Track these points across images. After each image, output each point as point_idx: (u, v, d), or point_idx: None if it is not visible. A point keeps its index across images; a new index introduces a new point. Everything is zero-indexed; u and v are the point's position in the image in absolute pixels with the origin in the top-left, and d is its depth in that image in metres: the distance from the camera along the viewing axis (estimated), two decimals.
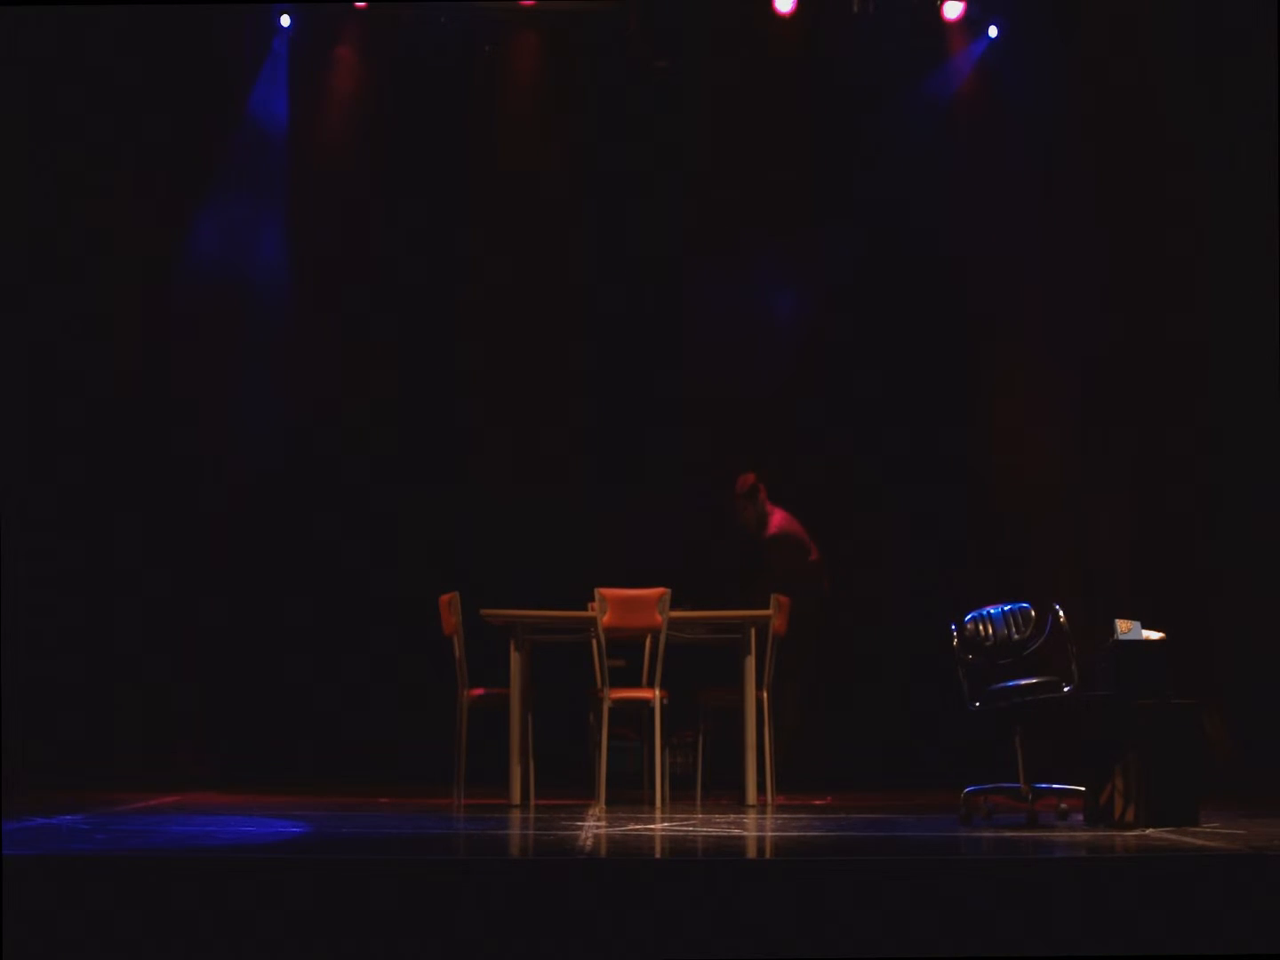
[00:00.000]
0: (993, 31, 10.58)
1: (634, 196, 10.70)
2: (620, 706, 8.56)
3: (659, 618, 8.36)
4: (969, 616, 7.85)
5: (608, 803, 8.27)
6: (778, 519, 9.97)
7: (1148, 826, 7.08)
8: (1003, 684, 7.66)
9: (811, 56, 10.62)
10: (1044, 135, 10.37)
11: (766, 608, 8.64)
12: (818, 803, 8.76)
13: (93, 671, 9.91)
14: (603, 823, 7.50)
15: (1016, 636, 7.74)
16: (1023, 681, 7.62)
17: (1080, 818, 7.50)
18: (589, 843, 6.64)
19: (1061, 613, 7.64)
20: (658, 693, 8.39)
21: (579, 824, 7.38)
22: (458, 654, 8.68)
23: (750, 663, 8.60)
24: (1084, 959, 5.45)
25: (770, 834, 7.21)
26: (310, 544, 10.46)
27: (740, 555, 10.10)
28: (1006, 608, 7.81)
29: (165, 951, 5.39)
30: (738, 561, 10.10)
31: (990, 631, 7.77)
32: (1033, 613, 7.76)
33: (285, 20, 10.61)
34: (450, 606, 8.66)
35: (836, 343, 10.65)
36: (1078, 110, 10.34)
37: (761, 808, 8.38)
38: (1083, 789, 7.52)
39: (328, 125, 10.77)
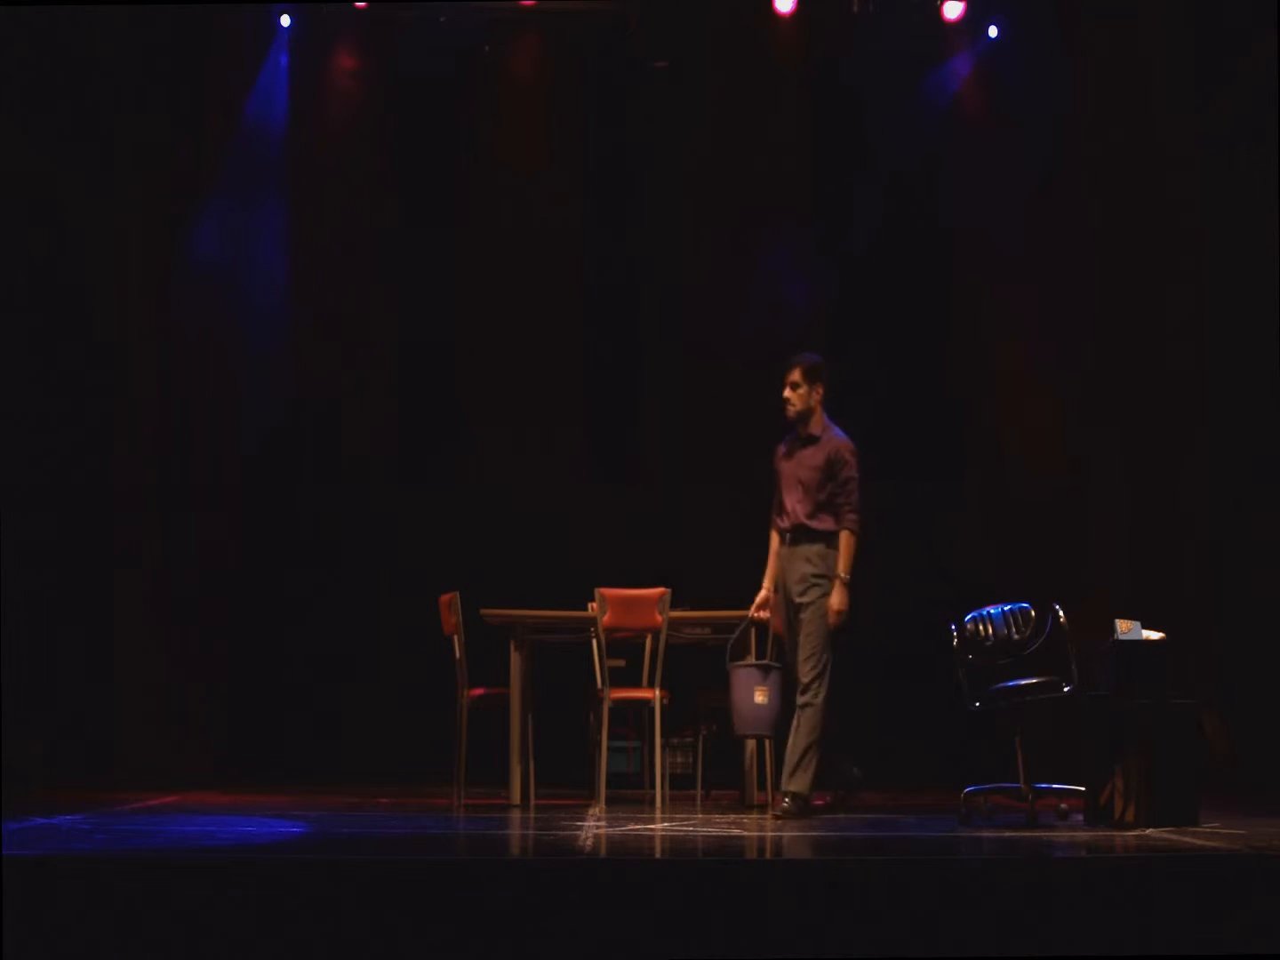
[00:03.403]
0: (993, 32, 10.58)
1: (633, 196, 10.71)
2: (620, 706, 8.56)
3: (659, 618, 8.36)
4: (969, 616, 7.85)
5: (608, 803, 8.27)
6: (839, 434, 8.31)
7: (1148, 826, 7.08)
8: (1003, 684, 7.66)
9: (811, 56, 10.63)
10: (1043, 135, 10.37)
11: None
12: (818, 803, 8.76)
13: (93, 671, 9.92)
14: (603, 823, 7.49)
15: (1016, 636, 7.73)
16: (1023, 681, 7.62)
17: (1080, 818, 7.51)
18: (589, 843, 6.64)
19: (1061, 613, 7.64)
20: (658, 693, 8.39)
21: (579, 824, 7.38)
22: (458, 654, 8.68)
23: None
24: (1084, 959, 5.45)
25: (770, 834, 7.20)
26: (310, 543, 10.48)
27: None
28: (1006, 608, 7.80)
29: (165, 951, 5.38)
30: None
31: (990, 631, 7.77)
32: (1033, 613, 7.76)
33: (285, 20, 10.61)
34: (450, 606, 8.66)
35: (836, 342, 10.64)
36: (1077, 110, 10.35)
37: (761, 808, 8.37)
38: (1083, 789, 7.52)
39: (328, 125, 10.77)
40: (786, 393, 8.17)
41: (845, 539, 8.05)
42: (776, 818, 7.77)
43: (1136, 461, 10.14)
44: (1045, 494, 10.28)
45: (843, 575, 8.01)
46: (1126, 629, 7.43)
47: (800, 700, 7.95)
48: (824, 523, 8.09)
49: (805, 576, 8.04)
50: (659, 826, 7.40)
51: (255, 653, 10.35)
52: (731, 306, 10.52)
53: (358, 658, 10.33)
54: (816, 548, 8.05)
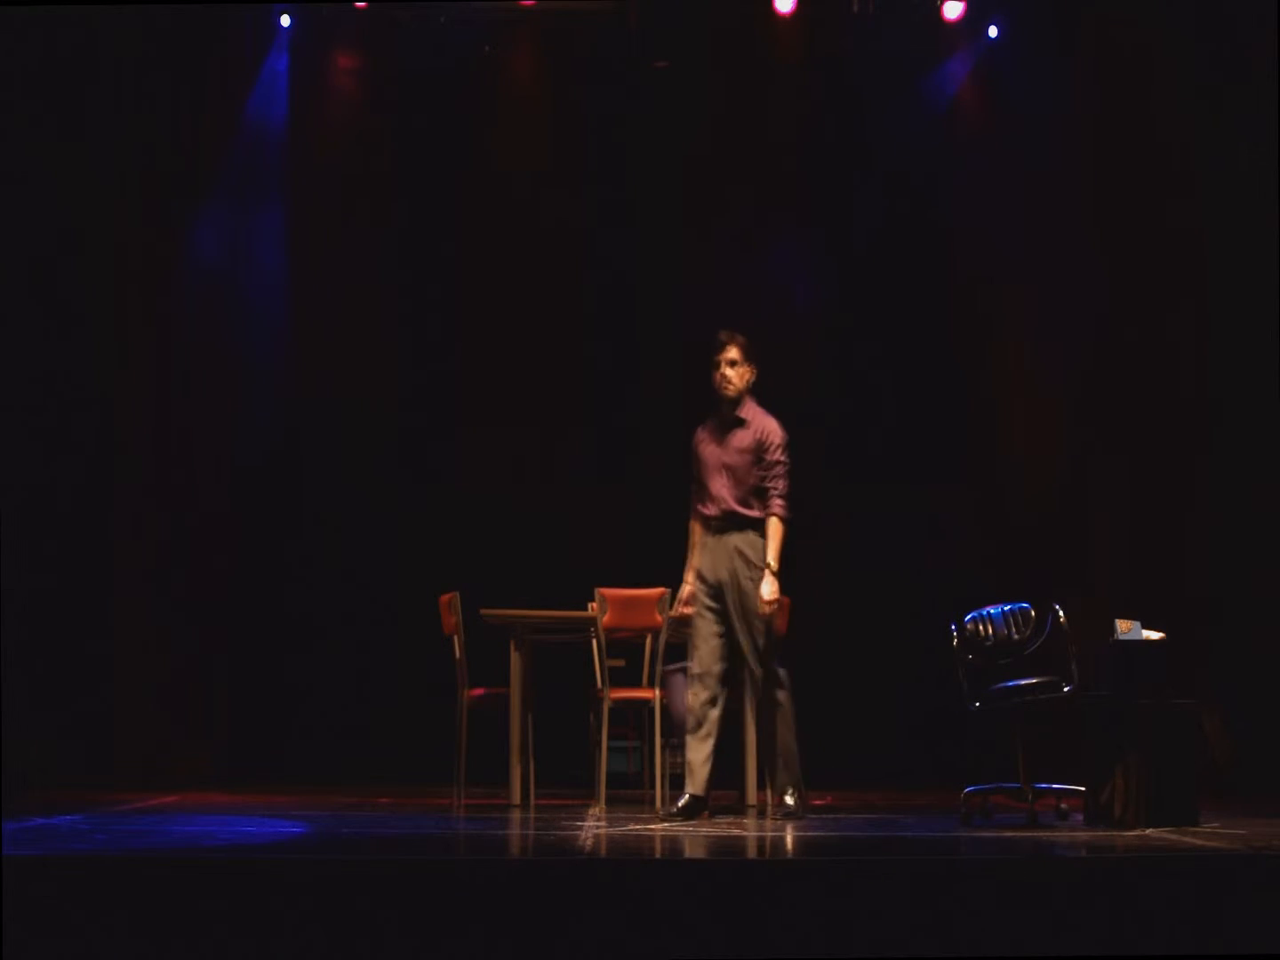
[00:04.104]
0: (993, 32, 10.58)
1: (633, 196, 10.70)
2: (620, 706, 8.55)
3: (659, 618, 8.35)
4: (969, 616, 7.85)
5: (608, 803, 8.26)
6: (770, 418, 7.92)
7: (1148, 826, 7.08)
8: (1003, 684, 7.66)
9: (811, 56, 10.63)
10: (1043, 135, 10.37)
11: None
12: (818, 803, 8.76)
13: (93, 671, 9.92)
14: (603, 823, 7.49)
15: (1016, 636, 7.73)
16: (1023, 681, 7.62)
17: (1080, 818, 7.50)
18: (589, 843, 6.64)
19: (1061, 613, 7.63)
20: (658, 693, 8.38)
21: (579, 824, 7.37)
22: (458, 654, 8.68)
23: None
24: (1084, 959, 5.45)
25: (770, 834, 7.20)
26: (310, 544, 10.48)
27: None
28: (1006, 608, 7.81)
29: (165, 951, 5.38)
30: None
31: (990, 631, 7.77)
32: (1033, 613, 7.76)
33: (285, 20, 10.61)
34: (450, 606, 8.66)
35: (835, 344, 10.66)
36: (1077, 110, 10.35)
37: (761, 808, 8.37)
38: (1083, 789, 7.51)
39: (328, 125, 10.77)
40: (725, 370, 7.82)
41: (774, 526, 7.67)
42: (776, 820, 7.74)
43: (1137, 461, 10.14)
44: (1045, 494, 10.28)
45: (772, 564, 7.63)
46: (1126, 629, 7.43)
47: (763, 698, 7.76)
48: (756, 510, 7.74)
49: (736, 571, 7.72)
50: (659, 826, 7.40)
51: (255, 653, 10.35)
52: (732, 306, 10.47)
53: (357, 658, 10.33)
54: (748, 536, 7.71)
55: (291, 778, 9.77)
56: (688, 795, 7.79)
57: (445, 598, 8.72)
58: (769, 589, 7.64)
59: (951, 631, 7.84)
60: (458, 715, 8.63)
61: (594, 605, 8.39)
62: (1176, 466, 10.06)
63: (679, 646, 8.65)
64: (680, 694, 8.14)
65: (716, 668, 7.77)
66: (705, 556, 7.82)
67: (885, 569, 10.30)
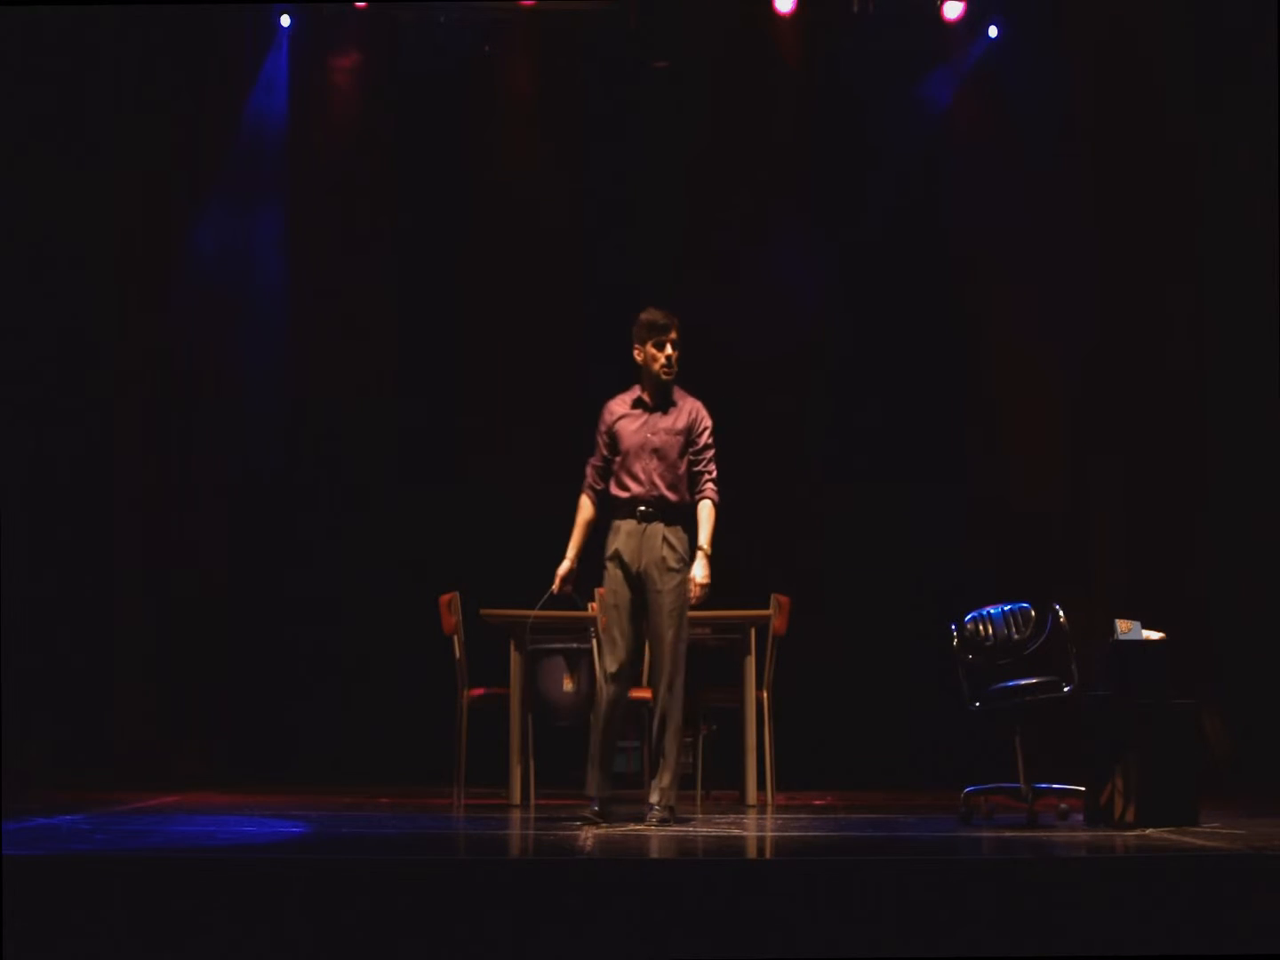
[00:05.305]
0: (993, 32, 10.58)
1: (633, 196, 10.70)
2: None
3: None
4: (969, 616, 7.85)
5: None
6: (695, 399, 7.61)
7: (1148, 826, 7.08)
8: (1003, 684, 7.66)
9: (811, 56, 10.63)
10: (1043, 136, 10.37)
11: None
12: (818, 803, 8.76)
13: (93, 671, 9.92)
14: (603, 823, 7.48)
15: (1016, 636, 7.73)
16: (1023, 681, 7.62)
17: (1080, 818, 7.50)
18: (589, 843, 6.64)
19: (1061, 613, 7.64)
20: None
21: (579, 824, 7.37)
22: (458, 654, 8.68)
23: (750, 663, 8.61)
24: (1085, 959, 5.45)
25: (770, 834, 7.20)
26: (310, 543, 10.47)
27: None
28: (1006, 608, 7.80)
29: (165, 951, 5.38)
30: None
31: (990, 631, 7.77)
32: (1033, 613, 7.76)
33: (285, 20, 10.61)
34: (450, 606, 8.66)
35: (835, 343, 10.65)
36: (1077, 111, 10.35)
37: (761, 808, 8.37)
38: (1083, 789, 7.51)
39: (328, 125, 10.77)
40: (669, 350, 7.43)
41: (708, 509, 7.31)
42: (652, 827, 7.26)
43: (1136, 460, 10.14)
44: (1045, 494, 10.29)
45: (706, 548, 7.26)
46: (1126, 629, 7.42)
47: (663, 695, 7.29)
48: (684, 497, 7.36)
49: (664, 560, 7.31)
50: (658, 826, 7.38)
51: (255, 653, 10.35)
52: (731, 306, 10.51)
53: (358, 658, 10.33)
54: (676, 531, 7.33)
55: (291, 778, 9.77)
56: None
57: (445, 598, 8.72)
58: (702, 571, 7.27)
59: (951, 631, 7.84)
60: (458, 715, 8.63)
61: (594, 605, 8.38)
62: (1176, 466, 10.06)
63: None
64: (552, 679, 7.70)
65: (630, 669, 7.46)
66: (628, 543, 7.37)
67: (885, 569, 10.29)
